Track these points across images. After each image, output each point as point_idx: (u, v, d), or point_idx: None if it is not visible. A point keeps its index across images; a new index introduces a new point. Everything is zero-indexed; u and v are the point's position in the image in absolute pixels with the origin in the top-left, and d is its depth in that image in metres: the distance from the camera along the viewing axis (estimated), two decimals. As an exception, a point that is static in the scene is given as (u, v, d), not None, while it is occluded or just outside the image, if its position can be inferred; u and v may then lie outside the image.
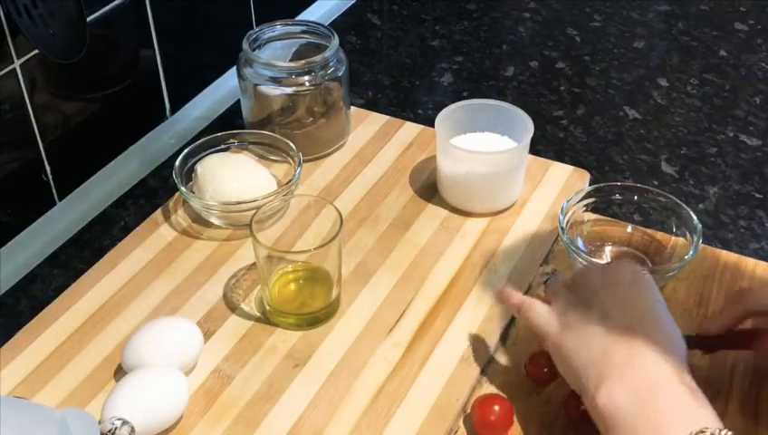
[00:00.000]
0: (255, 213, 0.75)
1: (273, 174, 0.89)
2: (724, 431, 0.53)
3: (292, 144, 0.88)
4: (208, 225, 0.87)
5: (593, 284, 0.66)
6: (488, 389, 0.71)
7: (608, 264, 0.70)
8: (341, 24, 1.22)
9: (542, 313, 0.67)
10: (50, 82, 0.85)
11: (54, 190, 0.88)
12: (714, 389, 0.70)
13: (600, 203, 0.85)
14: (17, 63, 0.80)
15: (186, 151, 0.88)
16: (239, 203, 0.83)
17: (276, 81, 0.91)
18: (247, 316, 0.78)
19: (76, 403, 0.70)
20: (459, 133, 0.89)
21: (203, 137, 0.91)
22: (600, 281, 0.66)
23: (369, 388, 0.71)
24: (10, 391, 0.71)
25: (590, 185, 0.89)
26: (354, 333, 0.76)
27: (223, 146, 0.91)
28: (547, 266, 0.72)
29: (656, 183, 0.93)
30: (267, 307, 0.77)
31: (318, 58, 0.91)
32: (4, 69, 0.79)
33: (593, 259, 0.78)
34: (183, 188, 0.85)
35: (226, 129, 0.93)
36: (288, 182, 0.86)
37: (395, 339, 0.75)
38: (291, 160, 0.89)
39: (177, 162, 0.86)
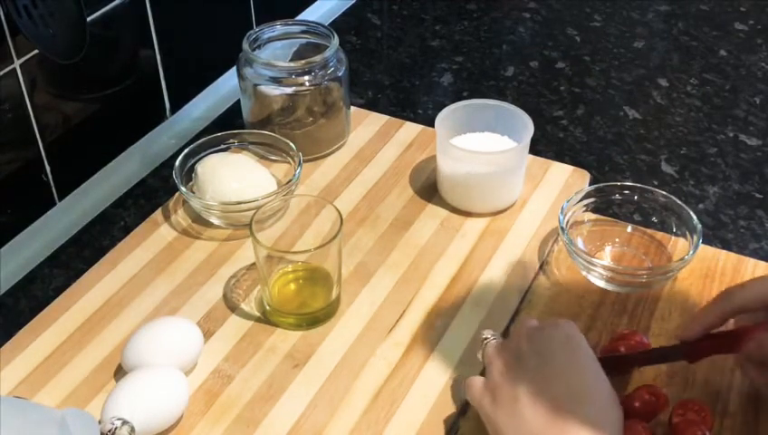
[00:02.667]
0: (255, 213, 0.75)
1: (273, 174, 0.89)
2: None
3: (292, 144, 0.88)
4: (208, 225, 0.87)
5: (523, 351, 0.65)
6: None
7: (541, 325, 0.67)
8: (341, 24, 1.22)
9: (477, 387, 0.66)
10: (50, 82, 0.85)
11: (54, 190, 0.88)
12: (714, 389, 0.71)
13: (600, 203, 0.85)
14: (17, 63, 0.80)
15: (186, 151, 0.88)
16: (239, 203, 0.83)
17: (276, 81, 0.91)
18: (247, 316, 0.78)
19: (76, 403, 0.70)
20: (459, 133, 0.89)
21: (203, 137, 0.91)
22: (529, 347, 0.65)
23: (369, 388, 0.71)
24: (10, 391, 0.71)
25: (590, 185, 0.89)
26: (354, 333, 0.76)
27: (223, 146, 0.91)
28: (486, 331, 0.70)
29: (656, 183, 0.93)
30: (267, 307, 0.77)
31: (318, 58, 0.90)
32: (4, 69, 0.79)
33: (593, 259, 0.78)
34: (183, 188, 0.85)
35: (226, 129, 0.93)
36: (288, 182, 0.86)
37: (395, 339, 0.75)
38: (291, 160, 0.89)
39: (177, 162, 0.86)
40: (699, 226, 0.79)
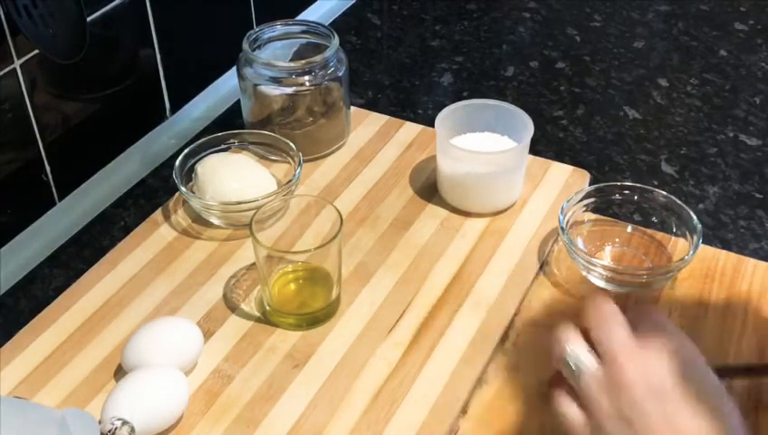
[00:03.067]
0: (255, 213, 0.75)
1: (273, 174, 0.89)
2: None
3: (292, 144, 0.88)
4: (208, 225, 0.87)
5: (634, 392, 0.55)
6: (488, 389, 0.72)
7: (642, 344, 0.57)
8: (341, 24, 1.22)
9: (575, 418, 0.58)
10: (50, 82, 0.85)
11: (54, 190, 0.88)
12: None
13: (600, 203, 0.85)
14: (17, 63, 0.80)
15: (186, 151, 0.88)
16: (239, 203, 0.83)
17: (276, 81, 0.91)
18: (247, 316, 0.78)
19: (76, 403, 0.70)
20: (459, 133, 0.89)
21: (203, 137, 0.91)
22: (643, 385, 0.55)
23: (369, 388, 0.71)
24: (10, 391, 0.71)
25: (589, 185, 0.89)
26: (354, 333, 0.76)
27: (223, 146, 0.91)
28: (570, 343, 0.59)
29: (656, 183, 0.93)
30: (267, 307, 0.77)
31: (318, 58, 0.91)
32: (4, 69, 0.79)
33: (593, 259, 0.78)
34: (183, 188, 0.85)
35: (226, 129, 0.93)
36: (288, 182, 0.86)
37: (395, 339, 0.75)
38: (291, 160, 0.89)
39: (177, 162, 0.86)
40: (699, 226, 0.79)
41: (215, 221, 0.86)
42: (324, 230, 0.77)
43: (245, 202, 0.83)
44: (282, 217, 0.82)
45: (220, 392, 0.71)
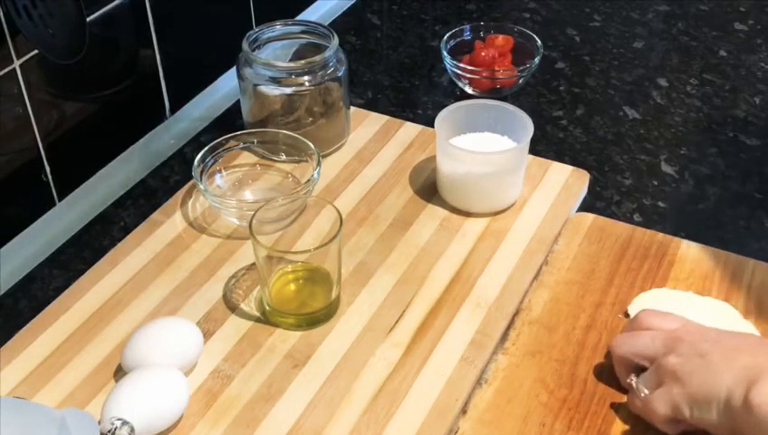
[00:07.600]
0: (255, 213, 0.75)
1: (291, 172, 0.88)
2: None
3: (310, 144, 0.87)
4: (208, 225, 0.87)
5: (692, 339, 0.65)
6: (488, 389, 0.72)
7: (681, 322, 0.69)
8: (341, 24, 1.22)
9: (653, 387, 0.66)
10: (50, 82, 0.85)
11: (54, 190, 0.88)
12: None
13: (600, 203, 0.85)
14: (17, 63, 0.80)
15: (208, 147, 0.87)
16: (256, 202, 0.82)
17: (276, 81, 0.91)
18: (247, 316, 0.78)
19: (76, 403, 0.70)
20: (459, 133, 0.89)
21: (203, 137, 0.91)
22: (697, 335, 0.66)
23: (369, 388, 0.71)
24: (10, 391, 0.71)
25: (588, 185, 0.89)
26: (354, 334, 0.76)
27: (241, 145, 0.91)
28: (634, 377, 0.68)
29: (656, 183, 0.93)
30: (267, 307, 0.77)
31: (318, 58, 0.91)
32: (4, 69, 0.79)
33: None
34: (201, 186, 0.84)
35: (226, 129, 0.93)
36: (307, 181, 0.85)
37: (395, 339, 0.75)
38: (308, 159, 0.88)
39: (198, 157, 0.86)
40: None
41: (234, 220, 0.85)
42: (324, 230, 0.77)
43: (264, 200, 0.81)
44: (282, 218, 0.81)
45: (220, 393, 0.71)
